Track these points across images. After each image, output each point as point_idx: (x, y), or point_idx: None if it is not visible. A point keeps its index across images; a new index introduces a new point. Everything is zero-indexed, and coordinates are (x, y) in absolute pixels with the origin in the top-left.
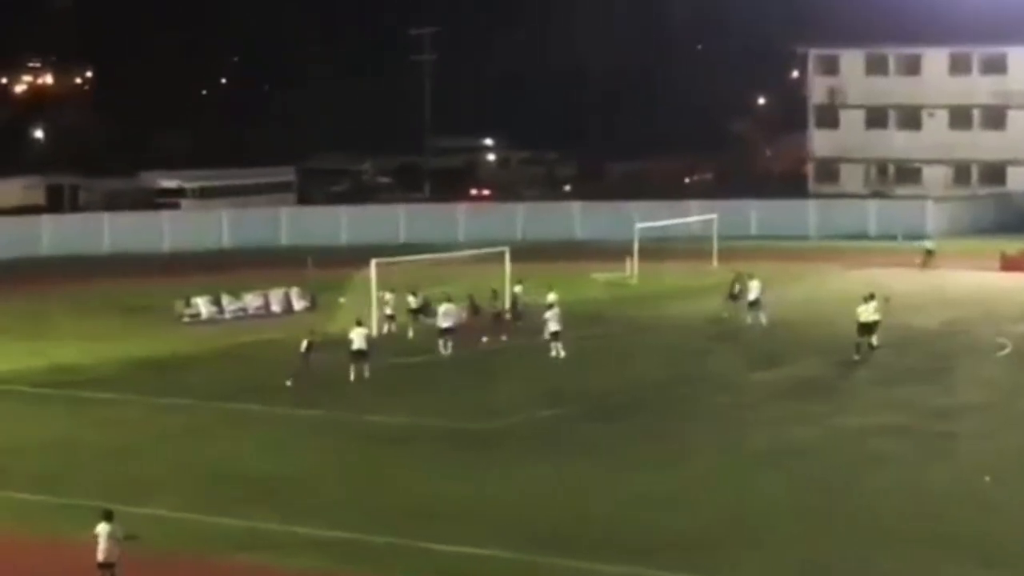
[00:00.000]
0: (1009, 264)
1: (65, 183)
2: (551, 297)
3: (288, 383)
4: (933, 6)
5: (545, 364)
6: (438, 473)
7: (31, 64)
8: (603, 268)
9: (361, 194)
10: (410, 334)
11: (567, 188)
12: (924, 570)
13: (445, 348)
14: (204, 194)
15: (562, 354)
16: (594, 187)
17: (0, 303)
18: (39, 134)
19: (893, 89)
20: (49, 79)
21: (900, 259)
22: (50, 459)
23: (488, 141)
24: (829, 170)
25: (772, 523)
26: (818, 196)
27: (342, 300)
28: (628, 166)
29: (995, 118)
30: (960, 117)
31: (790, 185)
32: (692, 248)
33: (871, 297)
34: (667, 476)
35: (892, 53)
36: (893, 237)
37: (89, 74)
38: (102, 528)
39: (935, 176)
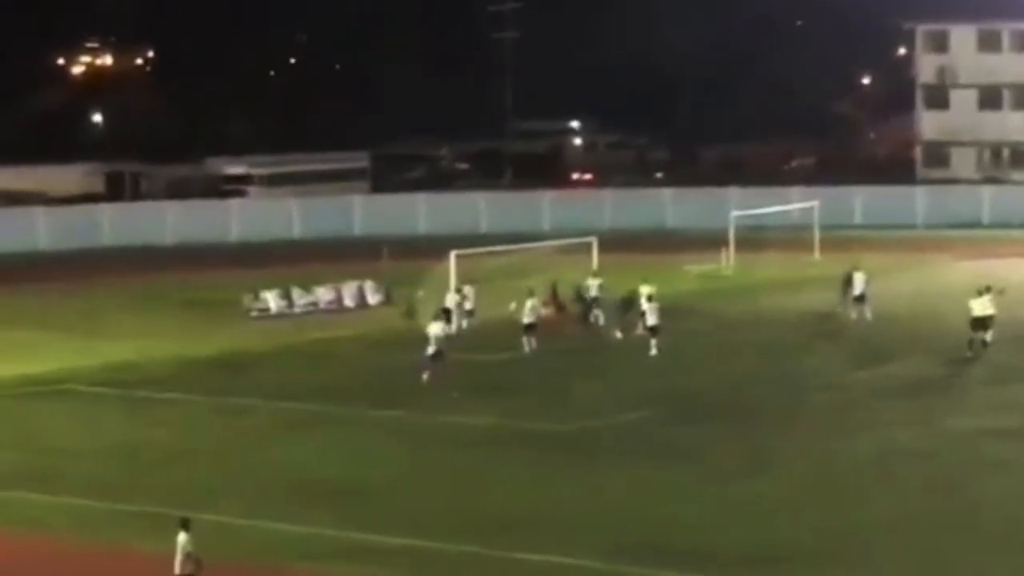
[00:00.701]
0: None
1: (126, 170)
2: (646, 289)
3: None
4: None
5: (633, 362)
6: (520, 478)
7: (89, 44)
8: (696, 259)
9: (439, 181)
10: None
11: (658, 174)
12: None
13: (529, 345)
14: (273, 181)
15: (654, 351)
16: (687, 172)
17: (57, 297)
18: (98, 118)
19: (1007, 67)
20: (108, 60)
21: (1017, 249)
22: (108, 463)
23: (574, 124)
24: (938, 154)
25: (877, 534)
26: (927, 182)
27: (420, 294)
28: (723, 150)
29: None
30: None
31: (896, 170)
32: (792, 238)
33: (985, 290)
34: (763, 483)
35: (1006, 28)
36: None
37: (150, 54)
38: (181, 538)
39: None
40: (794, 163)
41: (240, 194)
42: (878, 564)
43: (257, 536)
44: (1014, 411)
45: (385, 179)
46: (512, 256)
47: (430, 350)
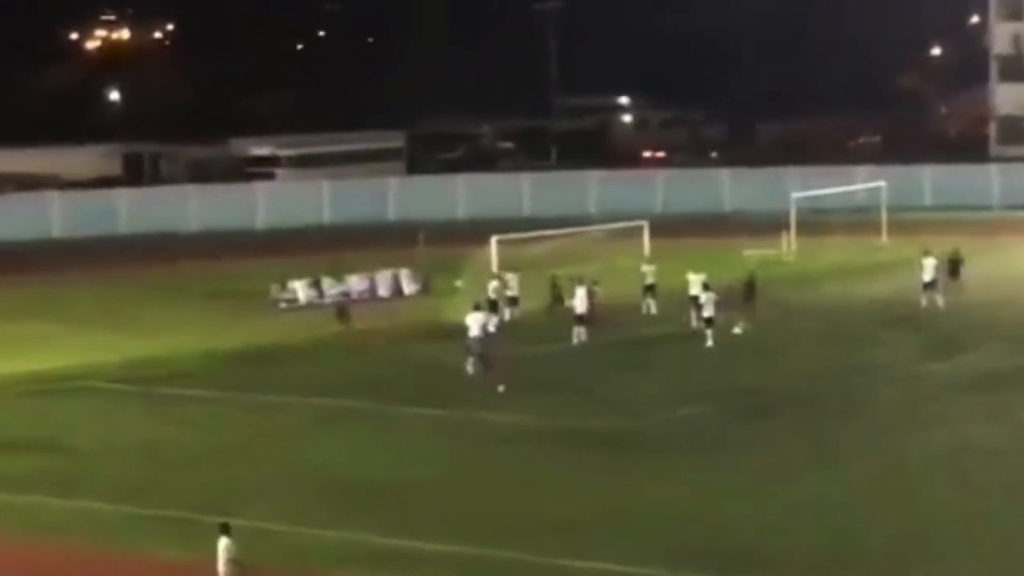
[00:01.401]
0: None
1: (144, 151)
2: (697, 278)
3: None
4: None
5: (687, 355)
6: (568, 478)
7: (105, 17)
8: (755, 244)
9: (479, 162)
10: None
11: (714, 153)
12: None
13: (579, 337)
14: (301, 163)
15: (710, 343)
16: (744, 151)
17: (72, 288)
18: (114, 96)
19: None
20: (125, 34)
21: None
22: (131, 465)
23: (623, 100)
24: (1015, 129)
25: (950, 535)
26: (1002, 160)
27: (459, 283)
28: (783, 127)
29: None
30: None
31: (969, 148)
32: (857, 220)
33: None
34: (827, 482)
35: None
36: None
37: (170, 28)
38: (222, 543)
39: None
40: (859, 141)
41: (267, 177)
42: (952, 568)
43: (289, 541)
44: None
45: (422, 160)
46: (557, 241)
47: (472, 343)
